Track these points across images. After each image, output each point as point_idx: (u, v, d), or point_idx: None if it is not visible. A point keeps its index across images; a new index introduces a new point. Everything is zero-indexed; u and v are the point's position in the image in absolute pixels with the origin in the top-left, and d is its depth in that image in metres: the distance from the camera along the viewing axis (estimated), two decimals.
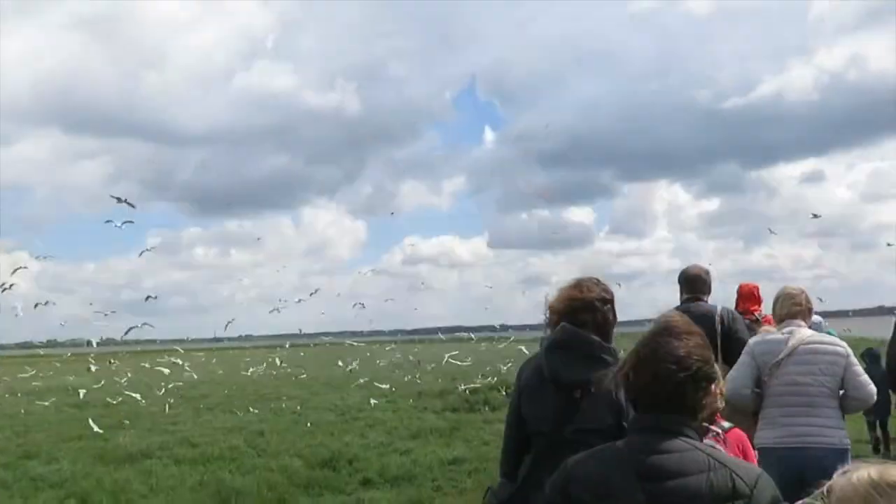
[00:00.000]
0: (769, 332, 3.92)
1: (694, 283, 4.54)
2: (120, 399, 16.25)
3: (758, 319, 5.06)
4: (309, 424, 12.18)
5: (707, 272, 4.62)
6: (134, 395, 15.44)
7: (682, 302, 4.51)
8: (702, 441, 1.62)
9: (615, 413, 2.32)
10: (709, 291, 4.58)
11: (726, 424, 2.77)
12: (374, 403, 14.21)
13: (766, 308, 5.21)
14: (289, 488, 7.58)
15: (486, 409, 13.21)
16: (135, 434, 11.60)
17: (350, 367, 21.83)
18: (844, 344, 3.77)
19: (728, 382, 3.73)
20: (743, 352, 3.87)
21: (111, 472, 8.45)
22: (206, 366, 29.05)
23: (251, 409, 14.69)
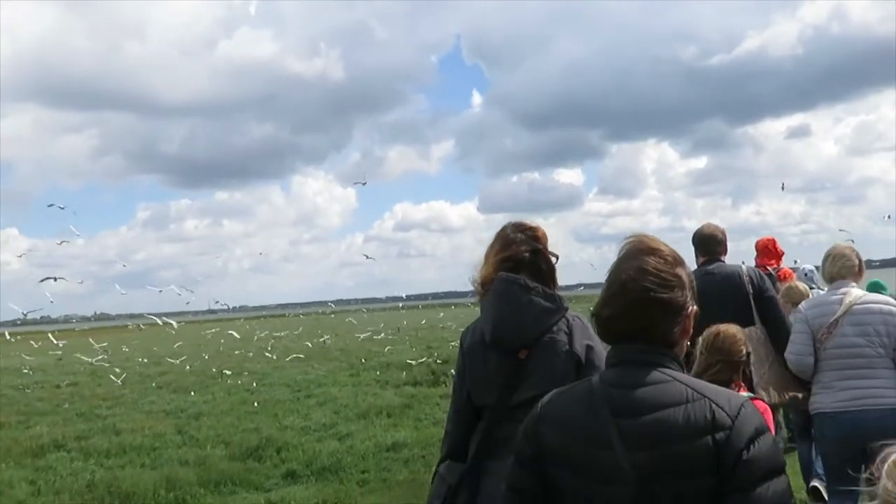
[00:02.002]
0: (820, 294, 3.95)
1: (709, 244, 4.25)
2: (68, 381, 15.30)
3: (771, 274, 4.86)
4: (256, 404, 11.22)
5: (722, 231, 4.32)
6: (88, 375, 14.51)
7: (700, 264, 4.21)
8: (683, 372, 1.44)
9: (569, 371, 2.02)
10: (725, 251, 4.28)
11: (745, 395, 2.49)
12: (326, 377, 13.25)
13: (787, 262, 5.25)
14: (195, 487, 6.59)
15: (450, 382, 12.21)
16: (60, 421, 10.66)
17: (324, 339, 20.92)
18: None
19: (790, 353, 3.66)
20: (794, 318, 3.75)
21: (1, 470, 7.46)
22: (183, 339, 28.15)
23: (205, 387, 13.80)
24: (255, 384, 13.70)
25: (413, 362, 14.88)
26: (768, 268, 5.27)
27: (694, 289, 1.50)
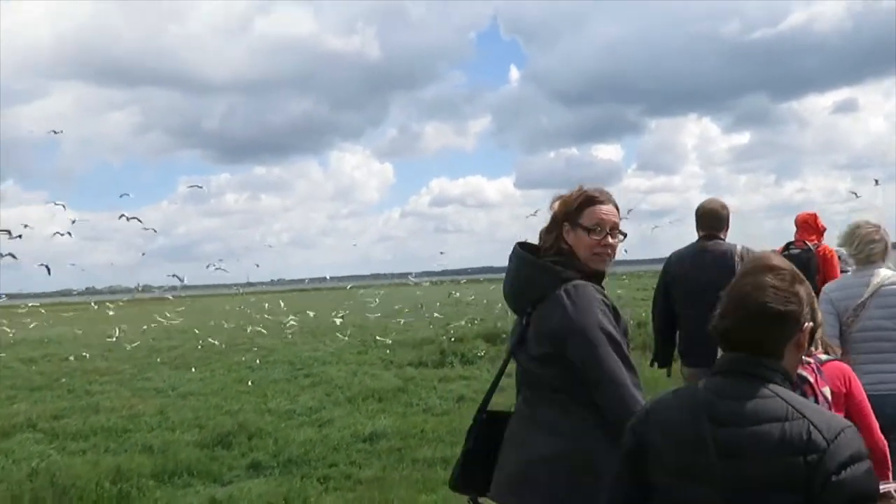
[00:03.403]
0: (844, 276, 3.99)
1: (709, 220, 4.20)
2: (77, 355, 15.05)
3: (810, 249, 4.83)
4: (250, 383, 10.70)
5: (723, 206, 4.25)
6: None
7: (698, 239, 4.22)
8: (792, 389, 1.47)
9: (555, 340, 2.06)
10: (726, 227, 4.22)
11: (824, 357, 2.50)
12: (333, 354, 12.66)
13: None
14: (146, 479, 6.01)
15: (457, 362, 11.52)
16: (48, 398, 10.30)
17: (340, 315, 20.36)
18: None
19: None
20: (821, 300, 3.54)
21: None
22: (208, 313, 28.02)
23: (207, 364, 13.37)
24: (258, 361, 13.20)
25: (426, 341, 14.23)
26: (808, 243, 4.96)
27: (813, 306, 1.52)
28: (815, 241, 5.12)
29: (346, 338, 16.32)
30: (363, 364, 12.27)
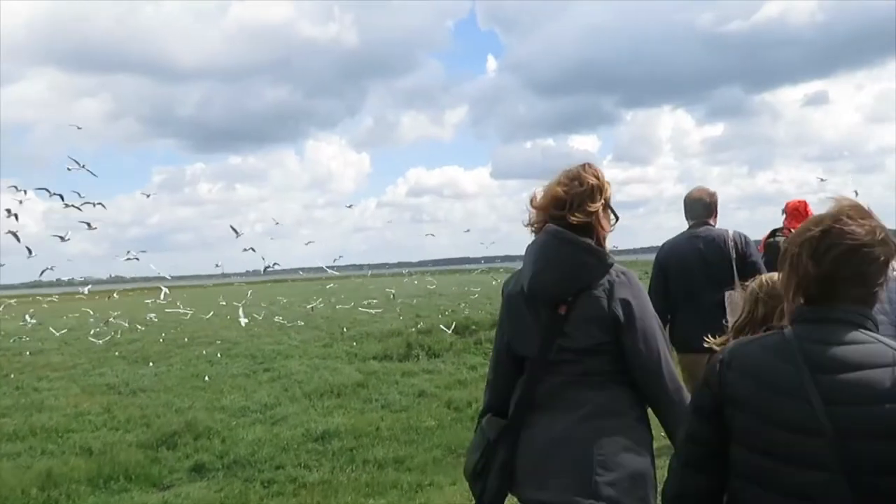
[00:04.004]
0: None
1: (696, 207, 4.25)
2: (36, 349, 14.50)
3: None
4: (207, 378, 10.28)
5: (710, 194, 4.29)
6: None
7: (689, 228, 4.24)
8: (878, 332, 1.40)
9: (608, 328, 2.00)
10: (713, 214, 4.26)
11: None
12: (297, 347, 12.30)
13: None
14: (80, 485, 5.63)
15: (423, 355, 11.21)
16: None
17: (312, 306, 19.97)
18: None
19: None
20: None
21: None
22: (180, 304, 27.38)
23: (166, 357, 12.93)
24: (219, 354, 12.79)
25: (393, 333, 13.91)
26: (791, 231, 4.64)
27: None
28: None
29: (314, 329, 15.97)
30: (327, 357, 11.91)
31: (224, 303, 19.92)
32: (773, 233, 5.15)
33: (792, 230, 4.77)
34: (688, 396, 2.04)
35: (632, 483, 1.97)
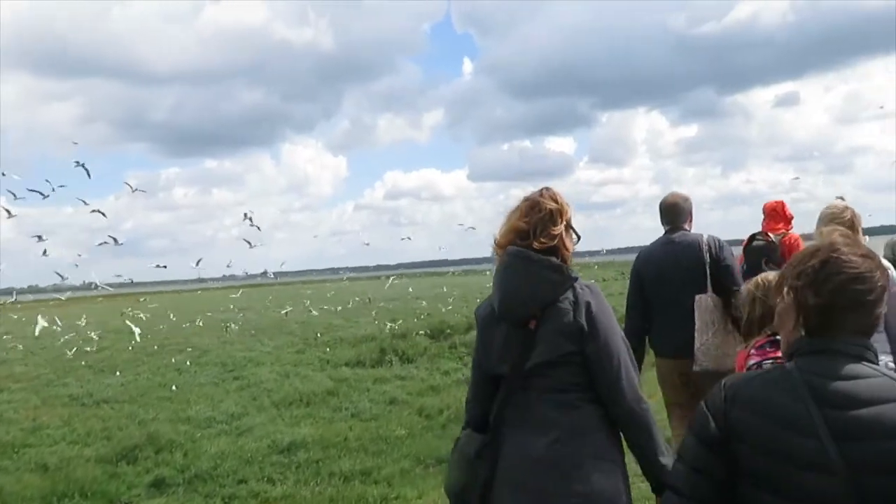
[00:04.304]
0: None
1: (671, 213, 4.26)
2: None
3: (773, 241, 4.68)
4: (174, 388, 10.03)
5: (685, 199, 4.31)
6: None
7: (664, 233, 4.26)
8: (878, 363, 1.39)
9: (574, 339, 2.07)
10: (688, 219, 4.28)
11: None
12: (270, 354, 12.07)
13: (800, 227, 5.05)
14: (33, 503, 5.40)
15: (396, 361, 11.03)
16: None
17: (285, 311, 19.69)
18: (889, 265, 3.27)
19: None
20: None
21: None
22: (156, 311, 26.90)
23: (135, 366, 12.63)
24: (188, 363, 12.51)
25: (367, 338, 13.70)
26: (771, 235, 4.85)
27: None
28: (783, 230, 5.00)
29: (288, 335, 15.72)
30: (299, 364, 11.69)
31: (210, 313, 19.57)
32: (753, 237, 5.08)
33: (770, 232, 4.84)
34: (648, 407, 2.12)
35: (614, 497, 2.05)
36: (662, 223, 4.31)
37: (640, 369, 4.32)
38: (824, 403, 1.33)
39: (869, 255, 1.43)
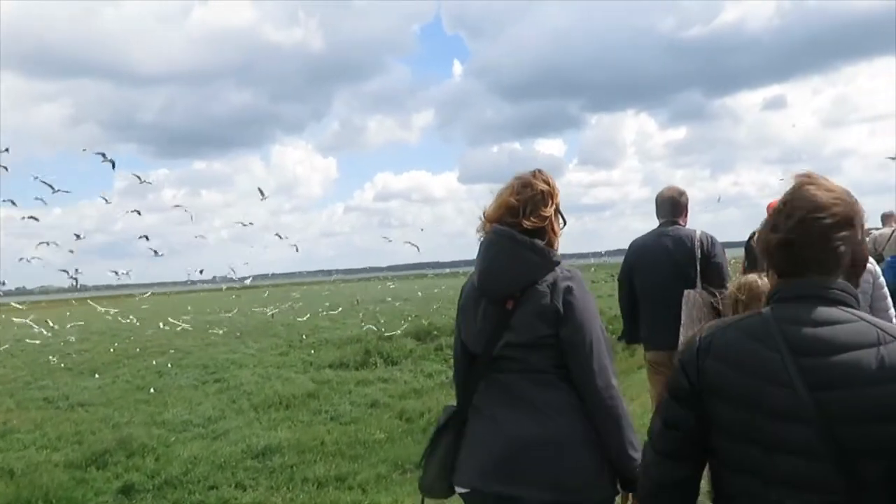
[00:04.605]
0: None
1: (666, 207, 4.29)
2: None
3: None
4: (152, 391, 9.82)
5: (681, 193, 4.33)
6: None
7: (658, 226, 4.29)
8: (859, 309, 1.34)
9: (550, 321, 2.05)
10: (682, 213, 4.29)
11: None
12: (253, 356, 11.88)
13: None
14: None
15: (381, 363, 10.86)
16: None
17: (271, 313, 19.48)
18: (873, 262, 3.52)
19: None
20: None
21: None
22: (138, 313, 26.59)
23: (115, 368, 12.40)
24: (170, 365, 12.29)
25: (353, 339, 13.52)
26: None
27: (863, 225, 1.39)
28: None
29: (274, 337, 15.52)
30: (282, 366, 11.49)
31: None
32: (753, 236, 5.06)
33: None
34: (618, 396, 2.07)
35: (596, 474, 2.01)
36: (658, 216, 4.32)
37: (637, 341, 4.49)
38: (798, 351, 1.29)
39: (835, 191, 1.36)
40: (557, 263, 2.12)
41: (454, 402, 2.27)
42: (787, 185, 1.42)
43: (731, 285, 2.60)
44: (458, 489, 2.16)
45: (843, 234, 1.34)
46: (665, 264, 4.06)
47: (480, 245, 2.20)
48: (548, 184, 2.18)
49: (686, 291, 3.88)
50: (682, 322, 3.83)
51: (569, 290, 2.07)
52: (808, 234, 1.34)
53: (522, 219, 2.13)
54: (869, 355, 1.25)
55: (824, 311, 1.32)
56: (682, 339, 3.80)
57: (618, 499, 2.09)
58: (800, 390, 1.26)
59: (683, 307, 3.85)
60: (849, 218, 1.34)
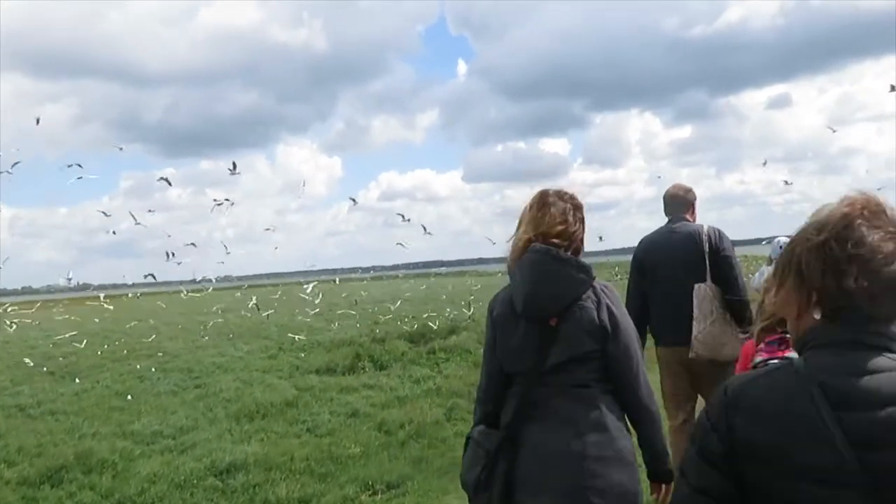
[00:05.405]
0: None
1: (673, 203, 4.29)
2: None
3: None
4: (129, 398, 9.40)
5: (687, 190, 4.32)
6: None
7: (666, 223, 4.29)
8: None
9: (598, 337, 2.14)
10: (689, 209, 4.27)
11: None
12: (241, 359, 11.47)
13: None
14: None
15: (370, 367, 10.40)
16: None
17: (267, 314, 19.06)
18: None
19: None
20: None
21: None
22: (136, 313, 26.27)
23: (97, 373, 12.00)
24: (153, 369, 11.88)
25: (345, 342, 13.07)
26: None
27: None
28: None
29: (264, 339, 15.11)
30: (269, 371, 11.05)
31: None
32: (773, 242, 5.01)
33: None
34: (657, 404, 2.26)
35: (620, 495, 2.09)
36: (665, 213, 4.35)
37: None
38: (839, 405, 1.14)
39: (889, 228, 1.18)
40: (595, 278, 2.20)
41: (484, 427, 2.30)
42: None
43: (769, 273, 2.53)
44: None
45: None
46: (673, 260, 4.07)
47: (522, 264, 2.20)
48: (578, 203, 2.29)
49: (696, 286, 3.90)
50: (694, 316, 3.85)
51: (612, 306, 2.17)
52: (862, 286, 1.16)
53: (570, 241, 2.22)
54: None
55: (866, 359, 1.15)
56: (694, 332, 3.85)
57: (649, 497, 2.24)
58: (842, 449, 1.11)
59: (694, 301, 3.88)
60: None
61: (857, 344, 1.17)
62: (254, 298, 19.93)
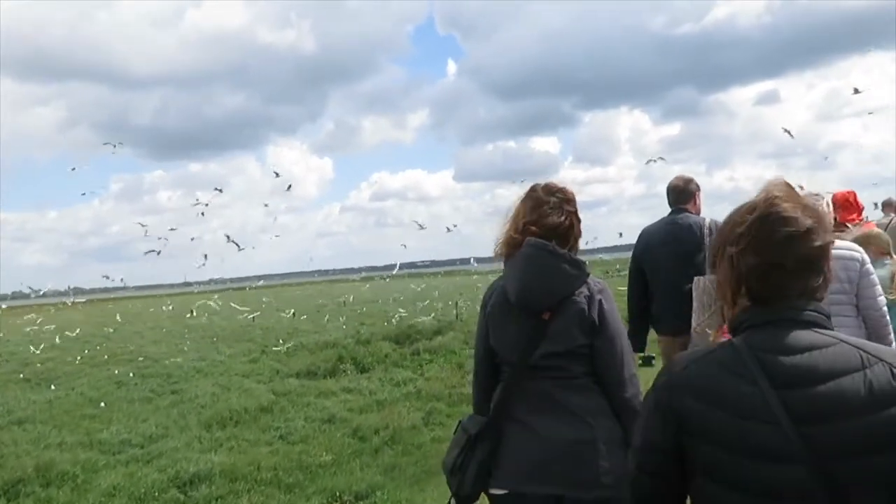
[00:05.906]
0: None
1: (675, 194, 4.28)
2: None
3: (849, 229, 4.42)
4: (103, 405, 9.14)
5: (688, 181, 4.31)
6: None
7: (668, 214, 4.28)
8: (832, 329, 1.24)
9: (587, 331, 2.17)
10: (690, 201, 4.26)
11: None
12: (223, 363, 11.20)
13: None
14: None
15: (352, 370, 10.16)
16: None
17: (253, 316, 18.80)
18: (860, 249, 3.36)
19: None
20: None
21: None
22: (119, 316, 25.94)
23: (75, 378, 11.72)
24: (131, 374, 11.61)
25: (329, 344, 12.82)
26: (849, 224, 4.62)
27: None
28: (857, 220, 4.80)
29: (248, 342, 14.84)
30: (249, 375, 10.79)
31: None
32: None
33: (848, 224, 4.58)
34: (641, 398, 2.21)
35: (605, 485, 2.07)
36: (669, 204, 4.35)
37: (644, 346, 4.48)
38: (779, 383, 1.16)
39: (811, 208, 1.25)
40: (588, 274, 2.22)
41: (474, 414, 2.34)
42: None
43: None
44: (495, 490, 2.19)
45: (822, 263, 1.25)
46: (673, 251, 4.09)
47: (517, 258, 2.22)
48: (571, 198, 2.30)
49: (696, 278, 3.88)
50: (693, 308, 3.84)
51: (603, 302, 2.18)
52: (799, 258, 1.22)
53: (568, 237, 2.25)
54: (855, 382, 1.14)
55: (801, 336, 1.20)
56: (693, 324, 3.84)
57: None
58: (784, 426, 1.14)
59: (694, 293, 3.86)
60: (828, 234, 1.25)
61: (791, 322, 1.20)
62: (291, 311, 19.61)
